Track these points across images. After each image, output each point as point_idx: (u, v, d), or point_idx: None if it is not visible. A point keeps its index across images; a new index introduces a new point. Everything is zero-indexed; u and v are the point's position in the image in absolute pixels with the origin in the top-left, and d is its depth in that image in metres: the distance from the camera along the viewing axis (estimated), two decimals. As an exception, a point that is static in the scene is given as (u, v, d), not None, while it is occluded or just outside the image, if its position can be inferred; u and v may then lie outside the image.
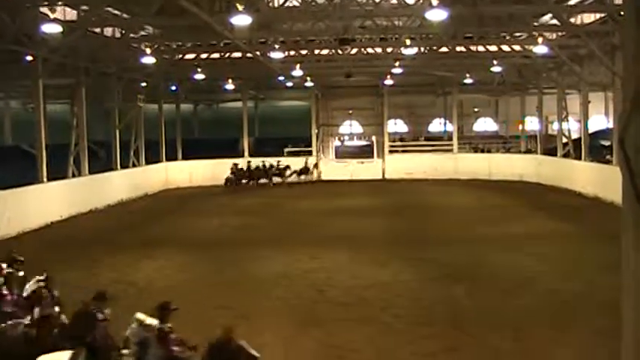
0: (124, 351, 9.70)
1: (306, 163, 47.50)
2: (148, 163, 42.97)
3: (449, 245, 22.70)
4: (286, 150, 51.04)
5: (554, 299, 15.66)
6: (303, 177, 46.78)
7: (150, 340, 9.55)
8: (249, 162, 46.09)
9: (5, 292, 12.05)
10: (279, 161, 46.78)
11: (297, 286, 17.56)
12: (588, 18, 32.17)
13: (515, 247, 21.89)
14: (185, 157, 47.02)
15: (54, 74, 31.71)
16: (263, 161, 46.51)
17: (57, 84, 35.67)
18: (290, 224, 28.67)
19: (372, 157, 51.32)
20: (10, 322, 10.67)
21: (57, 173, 31.65)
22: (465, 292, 16.50)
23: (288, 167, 46.32)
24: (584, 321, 13.88)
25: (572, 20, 31.53)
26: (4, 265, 13.16)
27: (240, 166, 45.37)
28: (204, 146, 50.13)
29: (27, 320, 10.67)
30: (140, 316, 9.72)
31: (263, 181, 45.48)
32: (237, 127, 49.05)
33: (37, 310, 10.85)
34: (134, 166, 41.34)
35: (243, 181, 44.98)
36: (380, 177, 48.12)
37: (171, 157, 46.32)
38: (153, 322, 9.63)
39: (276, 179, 45.75)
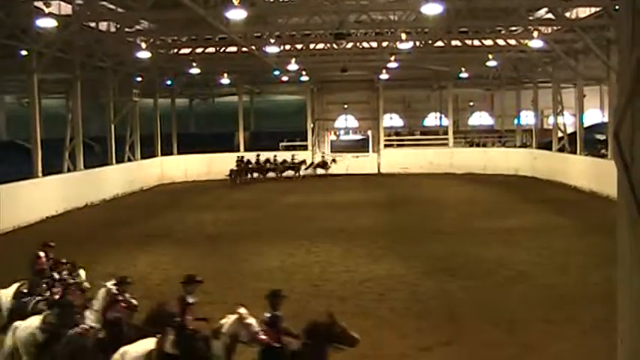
0: (214, 341, 9.65)
1: (323, 157, 47.72)
2: (143, 157, 42.94)
3: (444, 239, 22.74)
4: (282, 144, 51.02)
5: (550, 293, 15.68)
6: (321, 171, 46.96)
7: (242, 335, 9.58)
8: (258, 155, 46.24)
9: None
10: (293, 155, 47.18)
11: (292, 280, 17.57)
12: (583, 12, 32.16)
13: (511, 241, 21.93)
14: (180, 152, 46.97)
15: (49, 69, 31.66)
16: (275, 155, 46.88)
17: (52, 78, 35.68)
18: (285, 218, 28.69)
19: (368, 151, 51.31)
20: (80, 327, 10.54)
21: (52, 168, 31.63)
22: (460, 286, 16.53)
23: (304, 161, 46.78)
24: (580, 314, 13.91)
25: (568, 14, 31.52)
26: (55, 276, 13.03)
27: (247, 160, 45.61)
28: (200, 141, 50.12)
29: (90, 322, 10.60)
30: (242, 310, 9.72)
31: (270, 175, 45.98)
32: (233, 121, 49.01)
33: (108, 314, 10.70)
34: (129, 160, 41.32)
35: (255, 174, 45.35)
36: (375, 171, 48.14)
37: (167, 151, 46.26)
38: (252, 320, 9.57)
39: (290, 172, 46.19)
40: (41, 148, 29.65)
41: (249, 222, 27.94)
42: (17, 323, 10.94)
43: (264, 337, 9.36)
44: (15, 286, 12.71)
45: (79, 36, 30.50)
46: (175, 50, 37.94)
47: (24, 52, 29.52)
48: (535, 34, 31.14)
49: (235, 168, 44.73)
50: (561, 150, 40.32)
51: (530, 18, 32.17)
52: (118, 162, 39.19)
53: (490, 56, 38.55)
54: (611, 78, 31.47)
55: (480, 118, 59.37)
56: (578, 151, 36.98)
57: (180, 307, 9.85)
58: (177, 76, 45.94)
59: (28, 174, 29.43)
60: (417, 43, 34.98)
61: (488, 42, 37.16)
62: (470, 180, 42.00)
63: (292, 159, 46.90)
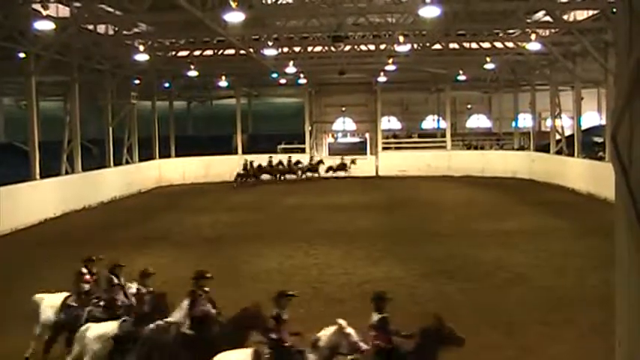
0: (310, 355, 9.49)
1: (342, 159, 47.39)
2: (141, 160, 42.92)
3: (442, 241, 22.75)
4: (280, 147, 51.02)
5: (548, 295, 15.70)
6: (341, 173, 46.68)
7: (342, 347, 9.44)
8: (270, 157, 46.50)
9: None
10: (312, 157, 47.51)
11: (290, 282, 17.55)
12: (581, 15, 32.22)
13: (509, 244, 21.94)
14: (178, 155, 46.95)
15: (47, 71, 31.68)
16: (289, 157, 47.01)
17: (50, 81, 35.65)
18: (283, 220, 28.68)
19: (366, 153, 51.32)
20: (158, 324, 10.49)
21: (50, 170, 31.60)
22: (458, 288, 16.54)
23: (321, 162, 46.98)
24: (578, 317, 13.92)
25: (565, 17, 31.58)
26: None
27: (258, 163, 45.68)
28: (198, 143, 50.10)
29: (173, 319, 10.57)
30: (341, 321, 9.55)
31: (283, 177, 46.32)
32: (231, 124, 49.02)
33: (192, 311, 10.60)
34: (127, 163, 41.29)
35: (266, 176, 45.60)
36: (373, 174, 48.13)
37: (165, 154, 46.24)
38: (351, 331, 9.48)
39: (309, 174, 46.45)
40: (39, 150, 29.63)
41: (248, 224, 27.94)
42: (88, 332, 10.70)
43: (365, 346, 9.33)
44: (59, 297, 12.28)
45: (76, 38, 30.51)
46: (173, 53, 37.94)
47: (22, 55, 29.51)
48: (533, 36, 31.15)
49: (242, 171, 44.71)
50: (559, 152, 40.35)
51: (528, 21, 32.22)
52: (115, 164, 39.16)
53: (488, 59, 38.59)
54: (609, 80, 31.52)
55: (478, 121, 59.44)
56: (575, 154, 37.01)
57: (275, 323, 9.86)
58: (175, 78, 45.94)
59: (25, 176, 29.40)
60: (415, 46, 35.00)
61: (486, 45, 37.21)
62: (468, 182, 42.02)
63: (310, 161, 47.13)
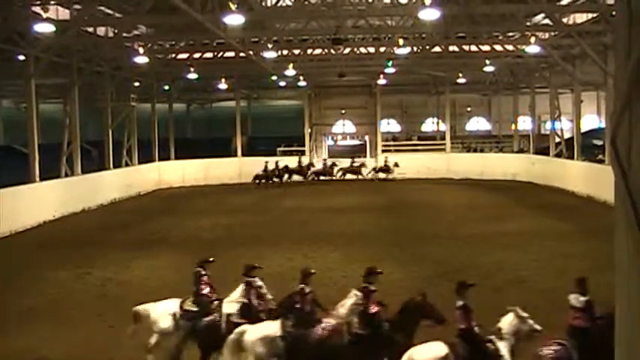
0: (500, 343, 10.04)
1: (385, 161, 46.94)
2: (140, 162, 42.91)
3: (442, 244, 22.75)
4: (279, 149, 51.01)
5: (548, 297, 15.67)
6: (383, 175, 46.22)
7: (522, 333, 10.28)
8: (300, 159, 47.00)
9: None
10: (353, 159, 47.21)
11: (290, 284, 17.51)
12: (580, 18, 32.25)
13: (509, 246, 21.94)
14: (178, 157, 46.95)
15: (46, 73, 31.67)
16: (324, 159, 47.45)
17: (49, 83, 35.62)
18: (283, 223, 28.68)
19: (365, 156, 51.30)
20: (326, 324, 10.58)
21: (49, 173, 31.59)
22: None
23: (363, 165, 46.69)
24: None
25: (565, 20, 31.62)
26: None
27: (282, 164, 45.75)
28: (197, 146, 50.13)
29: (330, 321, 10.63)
30: (517, 309, 10.31)
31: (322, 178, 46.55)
32: (230, 126, 49.02)
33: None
34: (127, 165, 41.29)
35: (297, 177, 45.88)
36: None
37: (164, 156, 46.25)
38: (525, 314, 10.28)
39: (349, 176, 46.19)
40: (38, 152, 29.64)
41: (247, 226, 27.93)
42: (247, 336, 10.48)
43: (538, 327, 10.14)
44: (171, 304, 11.92)
45: (76, 41, 30.51)
46: (173, 55, 37.98)
47: (21, 57, 29.51)
48: (532, 39, 31.19)
49: (262, 172, 44.57)
50: (559, 155, 40.36)
51: (528, 24, 32.27)
52: (115, 167, 39.15)
53: (487, 62, 38.62)
54: (609, 83, 31.53)
55: (478, 124, 59.46)
56: (575, 157, 37.02)
57: (463, 313, 10.21)
58: (175, 81, 45.97)
59: (25, 179, 29.40)
60: (415, 49, 35.02)
61: (486, 47, 37.23)
62: (467, 185, 42.03)
63: (352, 162, 46.84)
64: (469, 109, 58.02)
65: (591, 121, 50.77)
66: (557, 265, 19.18)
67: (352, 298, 10.86)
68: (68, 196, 32.32)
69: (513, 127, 50.47)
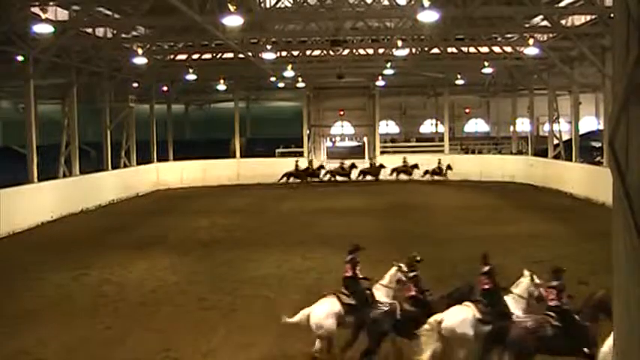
0: None
1: (439, 163, 45.84)
2: (139, 163, 42.90)
3: (441, 246, 22.71)
4: (278, 150, 51.01)
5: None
6: (436, 177, 45.28)
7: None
8: (342, 162, 46.83)
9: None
10: (405, 158, 46.54)
11: (287, 286, 17.56)
12: (579, 20, 32.30)
13: (507, 248, 21.91)
14: (176, 158, 46.92)
15: (45, 74, 31.68)
16: (371, 159, 47.31)
17: (48, 84, 35.59)
18: (281, 224, 28.66)
19: (364, 157, 51.29)
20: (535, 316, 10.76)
21: (48, 173, 31.58)
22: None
23: (416, 166, 45.58)
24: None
25: (563, 22, 31.67)
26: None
27: (317, 164, 46.06)
28: (196, 147, 50.11)
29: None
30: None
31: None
32: (229, 127, 48.99)
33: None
34: (125, 166, 41.26)
35: (339, 177, 45.79)
36: (371, 178, 48.07)
37: (163, 157, 46.22)
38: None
39: (402, 176, 45.59)
40: (37, 153, 29.63)
41: (246, 228, 27.93)
42: (445, 324, 10.76)
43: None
44: (331, 302, 12.09)
45: (75, 42, 30.51)
46: (172, 56, 37.97)
47: (20, 58, 29.49)
48: (531, 41, 31.21)
49: (292, 171, 44.78)
50: (557, 157, 40.36)
51: (526, 25, 32.28)
52: (113, 168, 39.13)
53: (486, 63, 38.60)
54: (607, 85, 31.54)
55: (476, 125, 59.48)
56: (573, 159, 37.01)
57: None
58: (174, 82, 45.94)
59: (23, 179, 29.38)
60: (413, 50, 35.03)
61: (484, 49, 37.24)
62: (466, 187, 42.01)
63: (404, 162, 45.93)
64: (468, 110, 58.01)
65: (589, 123, 50.79)
66: (553, 266, 19.14)
67: (526, 277, 11.79)
68: (66, 196, 32.31)
69: (512, 128, 50.51)
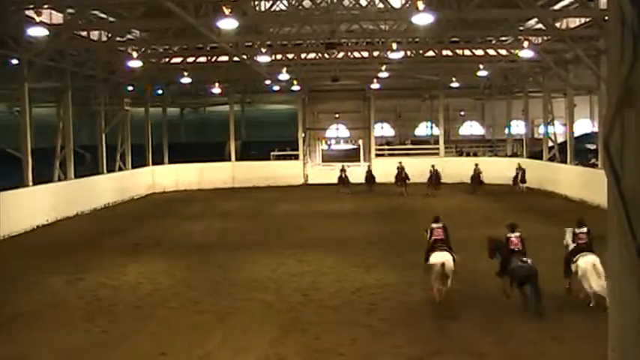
0: None
1: (476, 168, 41.77)
2: (134, 166, 42.86)
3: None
4: (273, 154, 51.01)
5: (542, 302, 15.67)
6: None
7: None
8: (433, 166, 42.00)
9: None
10: (519, 164, 41.79)
11: (282, 289, 17.54)
12: (573, 22, 32.40)
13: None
14: (171, 161, 46.87)
15: (40, 78, 31.65)
16: (476, 167, 41.93)
17: (43, 87, 35.56)
18: (276, 228, 28.65)
19: (359, 160, 51.28)
20: None
21: (43, 177, 31.52)
22: (450, 296, 16.50)
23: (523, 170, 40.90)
24: (573, 325, 13.92)
25: (558, 25, 31.74)
26: None
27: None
28: (191, 150, 50.05)
29: None
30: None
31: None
32: (224, 130, 48.97)
33: None
34: (120, 169, 41.23)
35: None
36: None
37: (158, 160, 46.16)
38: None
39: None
40: (32, 156, 29.57)
41: (240, 231, 27.91)
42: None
43: None
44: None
45: (70, 45, 30.54)
46: (166, 59, 37.96)
47: (15, 61, 29.47)
48: (525, 44, 31.27)
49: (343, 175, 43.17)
50: (552, 159, 40.40)
51: (521, 28, 32.38)
52: (108, 171, 39.10)
53: (481, 66, 38.71)
54: (602, 88, 31.61)
55: (471, 128, 59.51)
56: (568, 161, 37.07)
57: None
58: (169, 85, 45.98)
59: (18, 183, 29.32)
60: (408, 53, 35.09)
61: (479, 52, 37.34)
62: (461, 189, 42.01)
63: (519, 168, 40.78)
64: (463, 113, 58.04)
65: (584, 125, 50.85)
66: (550, 269, 19.14)
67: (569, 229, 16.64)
68: (61, 200, 32.25)
69: (507, 131, 50.57)
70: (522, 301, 15.02)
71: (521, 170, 40.63)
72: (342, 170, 43.80)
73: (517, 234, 16.41)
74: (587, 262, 15.18)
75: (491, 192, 40.00)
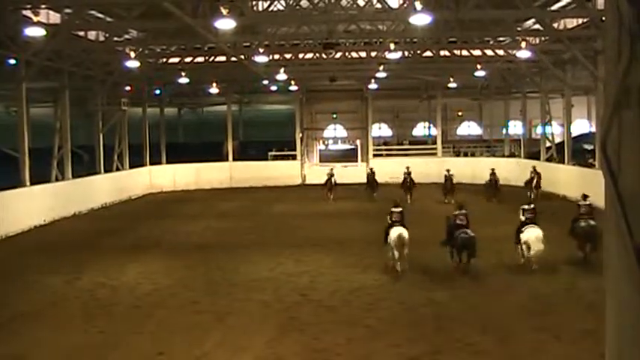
0: None
1: (534, 171, 37.47)
2: (131, 166, 42.84)
3: (434, 248, 22.69)
4: (270, 154, 51.01)
5: (539, 301, 15.72)
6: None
7: None
8: (534, 168, 37.52)
9: None
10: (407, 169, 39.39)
11: (280, 289, 17.54)
12: (571, 23, 32.45)
13: (500, 250, 21.92)
14: (169, 161, 46.88)
15: (37, 78, 31.61)
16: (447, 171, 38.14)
17: (40, 87, 35.53)
18: (274, 228, 28.65)
19: (356, 161, 51.29)
20: None
21: (40, 177, 31.48)
22: (449, 295, 16.53)
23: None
24: (569, 323, 13.94)
25: (555, 25, 31.76)
26: None
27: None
28: (188, 150, 50.05)
29: None
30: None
31: None
32: (222, 130, 48.99)
33: None
34: (118, 169, 41.21)
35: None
36: (364, 181, 48.03)
37: (155, 160, 46.16)
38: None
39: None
40: (29, 157, 29.55)
41: (239, 231, 27.91)
42: None
43: None
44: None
45: (67, 45, 30.47)
46: (164, 60, 37.96)
47: (12, 61, 29.43)
48: (523, 44, 31.30)
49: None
50: (549, 160, 40.42)
51: (518, 29, 32.40)
52: (106, 171, 39.08)
53: (479, 66, 38.71)
54: (599, 88, 31.63)
55: (469, 128, 59.55)
56: (566, 161, 37.09)
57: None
58: (166, 85, 45.92)
59: (15, 183, 29.29)
60: (406, 53, 35.11)
61: (477, 52, 37.37)
62: (458, 189, 41.91)
63: (534, 171, 37.19)
64: (460, 113, 58.07)
65: (582, 125, 50.88)
66: (548, 269, 19.21)
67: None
68: (59, 200, 32.22)
69: (504, 131, 50.60)
70: (458, 264, 19.17)
71: (536, 174, 37.04)
72: (331, 175, 39.66)
73: (463, 211, 19.85)
74: (530, 232, 19.11)
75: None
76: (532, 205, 20.59)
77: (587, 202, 20.92)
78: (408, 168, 38.67)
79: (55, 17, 28.38)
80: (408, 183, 37.80)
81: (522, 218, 20.10)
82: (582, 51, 31.08)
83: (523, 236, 19.34)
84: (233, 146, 48.87)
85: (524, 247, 19.31)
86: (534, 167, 37.85)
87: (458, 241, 19.01)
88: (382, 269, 19.69)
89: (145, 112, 45.71)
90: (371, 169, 42.08)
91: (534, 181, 36.93)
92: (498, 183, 37.63)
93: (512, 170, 44.49)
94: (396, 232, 19.16)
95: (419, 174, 46.06)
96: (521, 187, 38.42)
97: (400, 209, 20.53)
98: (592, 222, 19.75)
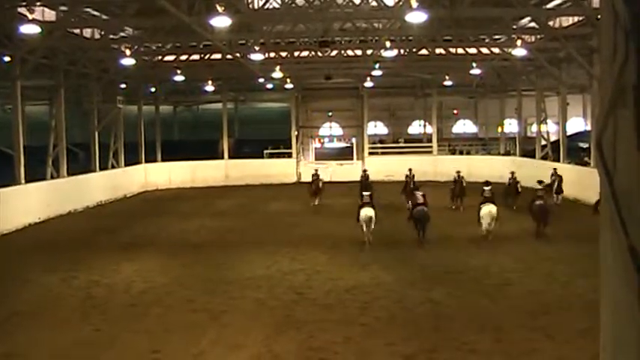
0: None
1: (554, 174, 34.57)
2: (127, 164, 42.79)
3: (430, 247, 22.75)
4: (266, 152, 51.00)
5: (535, 301, 15.74)
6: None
7: None
8: (554, 169, 34.75)
9: None
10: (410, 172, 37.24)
11: (276, 288, 17.54)
12: (566, 21, 32.44)
13: (495, 249, 21.99)
14: (164, 159, 46.83)
15: (32, 75, 31.56)
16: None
17: (35, 85, 35.48)
18: (269, 226, 28.64)
19: (352, 158, 51.30)
20: None
21: (35, 175, 31.44)
22: (445, 294, 16.54)
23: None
24: (565, 322, 13.97)
25: (551, 23, 31.77)
26: None
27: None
28: (184, 148, 50.01)
29: None
30: None
31: None
32: (217, 128, 48.94)
33: None
34: (113, 167, 41.17)
35: None
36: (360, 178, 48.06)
37: (151, 158, 46.11)
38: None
39: None
40: (24, 154, 29.49)
41: (234, 229, 27.90)
42: None
43: None
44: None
45: (62, 42, 30.42)
46: (160, 57, 37.90)
47: (7, 58, 29.37)
48: (519, 42, 31.33)
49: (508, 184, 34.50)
50: (544, 158, 40.48)
51: (514, 27, 32.43)
52: (101, 169, 39.02)
53: (474, 64, 38.72)
54: (594, 86, 31.72)
55: (464, 126, 59.59)
56: (561, 159, 37.13)
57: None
58: (162, 83, 45.89)
59: (10, 181, 29.24)
60: (402, 51, 35.11)
61: (472, 50, 37.37)
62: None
63: (554, 174, 34.35)
64: (456, 111, 58.12)
65: (577, 123, 50.98)
66: (543, 268, 19.25)
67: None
68: (54, 198, 32.17)
69: (500, 129, 50.64)
70: (417, 235, 23.23)
71: (558, 177, 33.83)
72: (316, 176, 36.28)
73: (421, 193, 24.51)
74: (485, 209, 23.41)
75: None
76: (490, 187, 25.02)
77: (542, 187, 25.79)
78: (410, 170, 35.76)
79: (50, 15, 28.30)
80: (410, 189, 32.31)
81: (480, 196, 24.23)
82: (578, 49, 31.11)
83: (481, 212, 23.54)
84: (229, 144, 48.82)
85: (482, 221, 23.34)
86: (555, 170, 34.67)
87: (415, 215, 23.41)
88: (378, 268, 19.69)
89: (141, 110, 45.67)
90: (364, 171, 39.29)
91: (555, 184, 33.50)
92: (518, 186, 33.73)
93: (509, 168, 44.53)
94: (364, 212, 22.97)
95: (415, 172, 46.16)
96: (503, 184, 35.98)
97: (369, 193, 24.75)
98: (543, 202, 24.26)
